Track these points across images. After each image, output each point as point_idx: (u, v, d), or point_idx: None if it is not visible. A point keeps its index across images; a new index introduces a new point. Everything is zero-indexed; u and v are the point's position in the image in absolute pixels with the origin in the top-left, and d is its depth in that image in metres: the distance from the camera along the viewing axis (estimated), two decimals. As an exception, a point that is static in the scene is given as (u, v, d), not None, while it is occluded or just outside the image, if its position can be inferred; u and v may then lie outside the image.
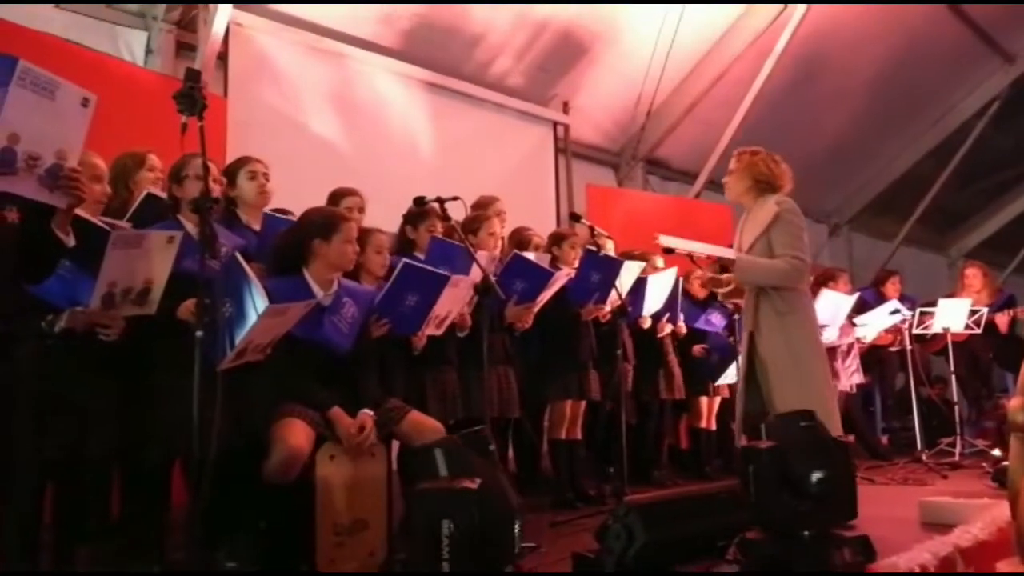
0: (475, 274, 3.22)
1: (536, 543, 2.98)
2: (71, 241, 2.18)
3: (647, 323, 4.51)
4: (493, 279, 3.19)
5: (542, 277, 3.67)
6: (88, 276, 2.27)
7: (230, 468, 2.46)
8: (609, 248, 4.32)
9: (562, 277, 3.77)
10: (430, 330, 3.21)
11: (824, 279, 5.61)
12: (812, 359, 3.27)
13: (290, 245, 2.83)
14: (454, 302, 3.22)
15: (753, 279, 3.38)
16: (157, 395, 2.56)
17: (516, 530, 2.28)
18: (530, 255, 3.86)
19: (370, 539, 2.69)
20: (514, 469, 4.29)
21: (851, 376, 5.67)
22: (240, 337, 2.41)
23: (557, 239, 4.27)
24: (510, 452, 4.27)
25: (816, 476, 2.42)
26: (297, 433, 2.59)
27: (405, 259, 3.13)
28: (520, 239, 4.14)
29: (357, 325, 2.86)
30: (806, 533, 2.38)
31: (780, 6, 6.35)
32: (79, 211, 2.26)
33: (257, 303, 2.40)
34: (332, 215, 2.91)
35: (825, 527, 2.44)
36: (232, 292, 2.46)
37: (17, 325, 2.29)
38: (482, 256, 3.36)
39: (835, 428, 3.18)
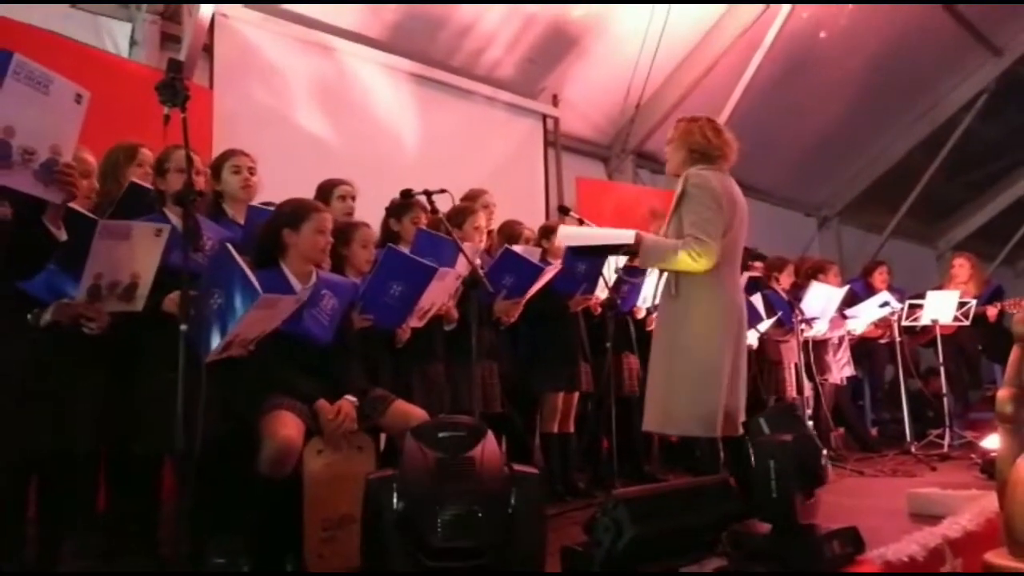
0: (460, 266, 3.20)
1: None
2: (63, 235, 2.17)
3: (642, 313, 4.50)
4: (480, 272, 3.17)
5: (532, 272, 3.65)
6: (74, 269, 2.25)
7: (218, 462, 2.44)
8: None
9: (550, 272, 3.75)
10: (413, 322, 3.19)
11: (814, 271, 5.62)
12: (689, 351, 2.93)
13: (265, 237, 2.81)
14: (439, 294, 3.20)
15: (654, 264, 3.16)
16: (145, 389, 2.55)
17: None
18: (519, 249, 3.85)
19: (359, 534, 2.67)
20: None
21: (842, 369, 5.70)
22: (230, 328, 2.40)
23: (546, 232, 4.27)
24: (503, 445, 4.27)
25: (823, 461, 2.44)
26: (288, 425, 2.57)
27: (390, 245, 3.10)
28: (510, 232, 4.13)
29: (337, 317, 2.85)
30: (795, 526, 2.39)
31: (763, 5, 6.34)
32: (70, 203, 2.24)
33: (249, 293, 2.39)
34: (302, 204, 2.87)
35: (810, 518, 2.45)
36: (222, 283, 2.44)
37: (4, 320, 2.27)
38: (469, 249, 3.33)
39: (706, 427, 2.92)
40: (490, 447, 2.15)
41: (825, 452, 2.57)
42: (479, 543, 1.98)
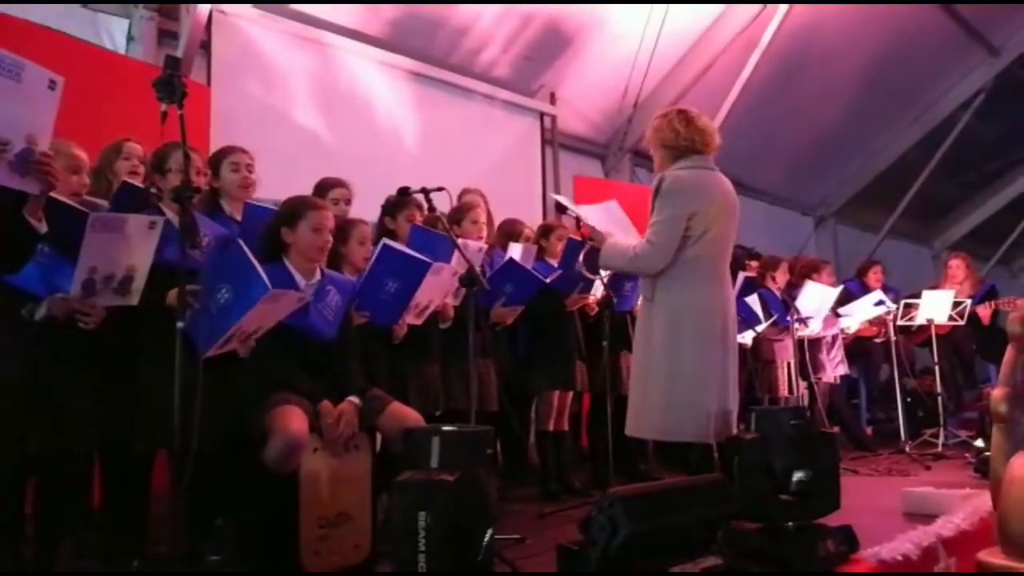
0: (456, 263, 3.20)
1: (521, 535, 2.98)
2: (43, 227, 2.15)
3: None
4: (478, 269, 3.17)
5: (532, 283, 3.66)
6: (67, 262, 2.24)
7: (216, 459, 2.45)
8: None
9: (551, 278, 3.78)
10: (410, 319, 3.19)
11: (808, 271, 5.63)
12: (661, 354, 2.87)
13: (267, 236, 2.83)
14: (435, 291, 3.20)
15: (610, 266, 3.15)
16: (142, 385, 2.55)
17: (487, 537, 2.18)
18: (518, 247, 3.85)
19: (354, 532, 2.68)
20: (501, 460, 4.29)
21: (836, 367, 5.70)
22: (234, 322, 2.41)
23: (545, 231, 4.28)
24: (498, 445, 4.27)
25: (797, 476, 2.43)
26: (296, 419, 2.58)
27: (385, 240, 3.10)
28: (510, 231, 4.14)
29: (341, 313, 2.86)
30: (790, 524, 2.40)
31: (760, 5, 6.35)
32: (57, 194, 2.22)
33: (260, 287, 2.41)
34: (299, 203, 2.87)
35: (809, 518, 2.46)
36: (231, 277, 2.46)
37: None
38: (470, 246, 3.34)
39: (679, 430, 2.92)
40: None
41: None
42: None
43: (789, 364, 5.16)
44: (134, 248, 2.31)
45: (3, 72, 1.89)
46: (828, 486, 2.51)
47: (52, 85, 2.00)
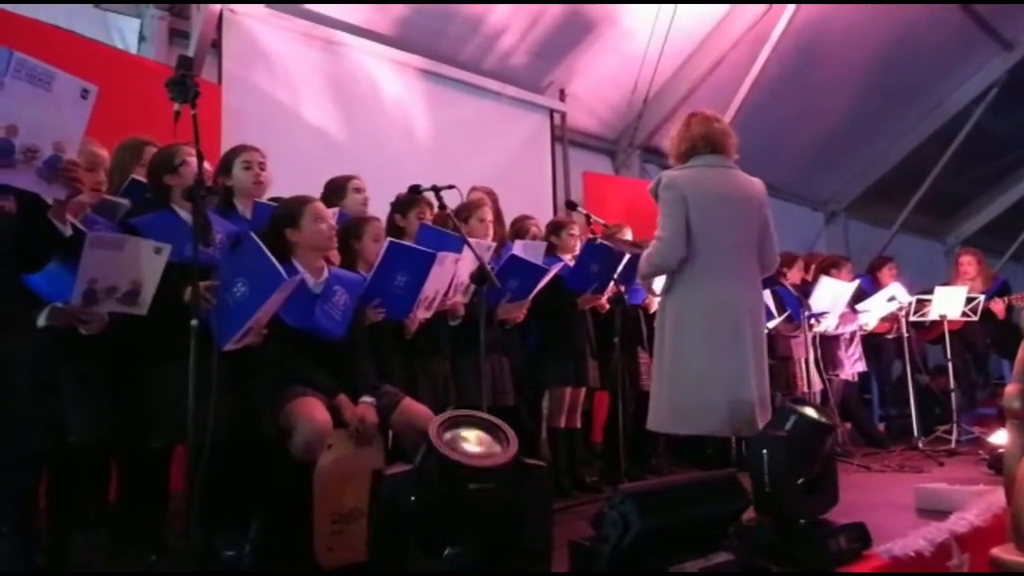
0: (467, 258, 3.20)
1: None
2: (68, 230, 2.17)
3: (654, 307, 4.50)
4: (488, 267, 3.18)
5: (537, 274, 3.66)
6: (71, 271, 2.26)
7: (231, 455, 2.46)
8: (627, 236, 4.32)
9: (555, 269, 3.77)
10: (420, 313, 3.19)
11: (827, 267, 5.61)
12: (672, 349, 2.99)
13: (270, 241, 2.83)
14: (441, 281, 3.20)
15: (643, 276, 3.29)
16: (159, 381, 2.56)
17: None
18: (530, 244, 3.84)
19: (368, 527, 2.69)
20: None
21: (854, 364, 5.67)
22: (253, 313, 2.45)
23: (555, 228, 4.27)
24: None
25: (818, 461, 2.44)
26: (319, 409, 2.61)
27: (391, 239, 3.12)
28: (519, 228, 4.13)
29: (350, 312, 2.87)
30: (802, 520, 2.40)
31: (766, 5, 6.33)
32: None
33: (275, 278, 2.45)
34: (295, 201, 2.90)
35: (821, 513, 2.46)
36: (247, 271, 2.49)
37: (10, 312, 2.28)
38: (480, 245, 3.34)
39: (687, 425, 3.00)
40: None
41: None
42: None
43: (805, 361, 5.14)
44: (139, 266, 2.28)
45: (33, 81, 1.92)
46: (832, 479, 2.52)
47: (84, 94, 2.03)
